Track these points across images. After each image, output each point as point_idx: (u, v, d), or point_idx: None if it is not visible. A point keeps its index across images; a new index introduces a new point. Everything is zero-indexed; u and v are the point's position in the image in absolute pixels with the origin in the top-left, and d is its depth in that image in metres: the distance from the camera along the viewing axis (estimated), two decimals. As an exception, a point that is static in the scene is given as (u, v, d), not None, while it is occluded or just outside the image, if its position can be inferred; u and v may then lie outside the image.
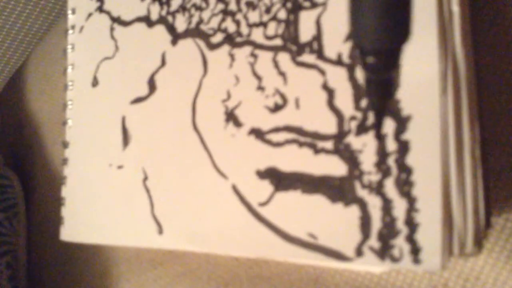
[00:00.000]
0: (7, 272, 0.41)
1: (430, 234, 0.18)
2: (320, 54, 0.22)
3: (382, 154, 0.20)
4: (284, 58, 0.23)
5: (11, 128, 0.48)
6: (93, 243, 0.31)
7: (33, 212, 0.44)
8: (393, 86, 0.16)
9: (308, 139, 0.22)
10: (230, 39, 0.25)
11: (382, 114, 0.16)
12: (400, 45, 0.14)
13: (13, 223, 0.42)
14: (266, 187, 0.23)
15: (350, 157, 0.21)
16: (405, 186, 0.19)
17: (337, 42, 0.22)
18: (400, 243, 0.19)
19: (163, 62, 0.28)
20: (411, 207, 0.19)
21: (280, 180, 0.23)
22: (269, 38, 0.24)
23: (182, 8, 0.28)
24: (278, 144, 0.23)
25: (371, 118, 0.20)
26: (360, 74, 0.21)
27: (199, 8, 0.27)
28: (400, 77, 0.20)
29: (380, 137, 0.19)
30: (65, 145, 0.34)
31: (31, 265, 0.43)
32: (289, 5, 0.23)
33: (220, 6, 0.26)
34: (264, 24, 0.24)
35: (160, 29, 0.28)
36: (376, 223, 0.20)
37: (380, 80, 0.15)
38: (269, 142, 0.23)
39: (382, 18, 0.13)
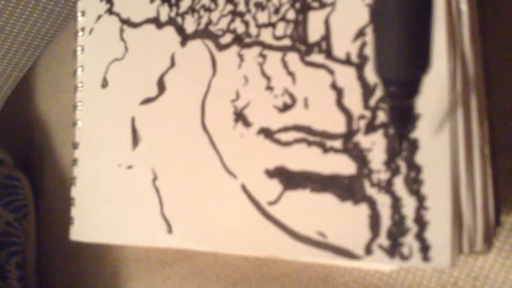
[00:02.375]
0: (17, 272, 0.41)
1: (439, 232, 0.18)
2: (328, 54, 0.22)
3: (391, 152, 0.20)
4: (293, 58, 0.24)
5: (21, 129, 0.49)
6: (103, 243, 0.32)
7: (42, 212, 0.44)
8: (414, 111, 0.17)
9: (317, 138, 0.22)
10: (239, 40, 0.26)
11: (404, 138, 0.18)
12: (421, 76, 0.14)
13: (23, 224, 0.43)
14: (275, 186, 0.23)
15: (359, 156, 0.21)
16: (414, 184, 0.19)
17: (345, 42, 0.22)
18: (409, 241, 0.19)
19: (172, 63, 0.28)
20: (421, 205, 0.19)
21: (289, 179, 0.23)
22: (278, 38, 0.24)
23: (191, 10, 0.28)
24: (287, 144, 0.23)
25: (380, 117, 0.21)
26: (368, 74, 0.21)
27: (208, 9, 0.27)
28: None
29: (400, 155, 0.19)
30: (75, 146, 0.34)
31: (41, 265, 0.44)
32: (297, 5, 0.24)
33: (229, 7, 0.26)
34: (273, 25, 0.24)
35: (169, 31, 0.29)
36: (386, 221, 0.20)
37: (402, 106, 0.16)
38: (278, 142, 0.23)
39: (405, 52, 0.14)
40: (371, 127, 0.21)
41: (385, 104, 0.17)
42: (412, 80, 0.15)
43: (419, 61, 0.14)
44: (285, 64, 0.24)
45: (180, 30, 0.28)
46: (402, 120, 0.17)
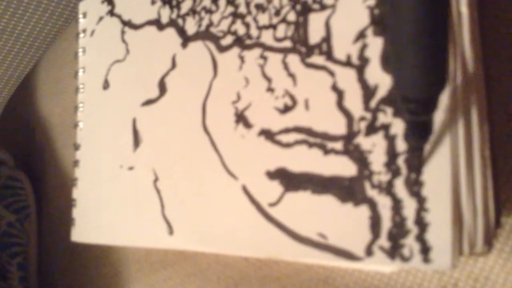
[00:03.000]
0: (19, 273, 0.41)
1: (440, 234, 0.19)
2: (329, 56, 0.22)
3: (392, 154, 0.20)
4: (293, 60, 0.24)
5: (22, 130, 0.49)
6: (104, 244, 0.32)
7: (44, 213, 0.45)
8: (432, 126, 0.17)
9: (317, 139, 0.22)
10: (240, 42, 0.26)
11: (422, 153, 0.18)
12: (439, 93, 0.15)
13: (25, 225, 0.43)
14: (276, 187, 0.23)
15: (360, 158, 0.21)
16: (414, 186, 0.19)
17: (346, 44, 0.22)
18: (410, 243, 0.19)
19: (174, 65, 0.28)
20: (421, 207, 0.19)
21: (290, 180, 0.23)
22: (278, 40, 0.24)
23: (192, 11, 0.28)
24: (287, 145, 0.23)
25: (380, 119, 0.21)
26: (369, 75, 0.21)
27: (209, 11, 0.27)
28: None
29: (420, 172, 0.19)
30: (76, 147, 0.35)
31: (42, 266, 0.44)
32: (298, 7, 0.24)
33: (230, 9, 0.26)
34: (273, 27, 0.24)
35: (171, 32, 0.29)
36: (386, 223, 0.20)
37: (420, 122, 0.17)
38: (279, 143, 0.23)
39: (424, 71, 0.14)
40: (371, 129, 0.21)
41: (402, 120, 0.18)
42: (431, 96, 0.15)
43: (438, 78, 0.14)
44: (285, 66, 0.24)
45: (181, 31, 0.28)
46: (421, 135, 0.17)
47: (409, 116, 0.16)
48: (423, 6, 0.13)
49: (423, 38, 0.14)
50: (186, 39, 0.28)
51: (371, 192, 0.20)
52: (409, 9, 0.13)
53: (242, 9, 0.26)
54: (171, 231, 0.27)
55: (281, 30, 0.24)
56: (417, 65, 0.14)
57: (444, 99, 0.19)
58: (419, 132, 0.17)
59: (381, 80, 0.21)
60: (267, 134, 0.24)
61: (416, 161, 0.19)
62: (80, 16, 0.36)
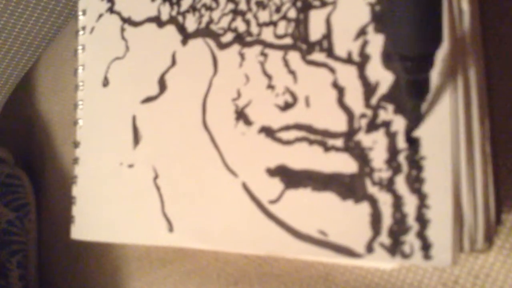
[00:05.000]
0: (18, 271, 0.41)
1: (440, 230, 0.19)
2: (330, 53, 0.22)
3: (393, 151, 0.20)
4: (294, 57, 0.24)
5: (22, 128, 0.49)
6: (104, 241, 0.32)
7: (43, 211, 0.45)
8: (429, 84, 0.18)
9: (318, 137, 0.22)
10: (240, 39, 0.26)
11: (418, 115, 0.18)
12: (433, 50, 0.16)
13: (24, 222, 0.43)
14: (276, 184, 0.23)
15: (360, 155, 0.21)
16: (415, 182, 0.19)
17: (347, 40, 0.22)
18: (410, 240, 0.19)
19: (174, 62, 0.28)
20: (422, 204, 0.19)
21: (290, 177, 0.23)
22: (279, 37, 0.24)
23: (192, 8, 0.28)
24: (288, 142, 0.23)
25: (381, 116, 0.21)
26: (369, 72, 0.21)
27: (209, 8, 0.27)
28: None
29: (411, 141, 0.19)
30: (76, 144, 0.35)
31: (42, 264, 0.44)
32: (299, 4, 0.24)
33: (230, 6, 0.26)
34: (274, 23, 0.24)
35: (171, 29, 0.29)
36: (387, 220, 0.20)
37: (416, 80, 0.17)
38: (279, 140, 0.23)
39: (419, 28, 0.15)
40: (372, 126, 0.21)
41: (400, 82, 0.18)
42: (426, 54, 0.16)
43: (433, 34, 0.15)
44: (286, 63, 0.24)
45: (181, 29, 0.28)
46: (418, 93, 0.18)
47: (405, 75, 0.17)
48: None
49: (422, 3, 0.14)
50: (186, 36, 0.28)
51: (372, 189, 0.20)
52: None
53: (243, 6, 0.26)
54: (171, 228, 0.27)
55: (282, 27, 0.24)
56: (412, 22, 0.15)
57: (445, 93, 0.19)
58: (416, 91, 0.18)
59: (382, 77, 0.21)
60: (268, 131, 0.24)
61: (413, 119, 0.19)
62: (80, 13, 0.35)
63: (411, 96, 0.18)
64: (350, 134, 0.21)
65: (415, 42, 0.16)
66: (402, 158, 0.20)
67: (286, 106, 0.24)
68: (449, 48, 0.19)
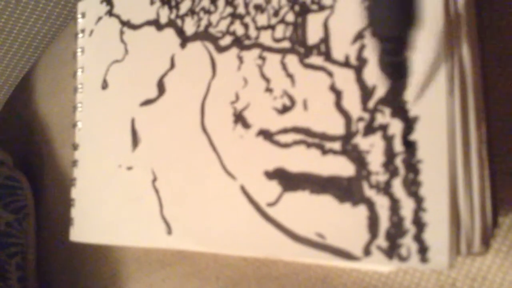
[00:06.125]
0: (17, 273, 0.41)
1: (437, 233, 0.19)
2: (327, 56, 0.23)
3: (390, 154, 0.20)
4: (292, 60, 0.24)
5: (21, 130, 0.49)
6: (103, 244, 0.32)
7: (42, 213, 0.45)
8: (409, 66, 0.18)
9: (316, 140, 0.22)
10: (238, 42, 0.26)
11: (401, 91, 0.19)
12: (410, 31, 0.16)
13: (23, 225, 0.43)
14: (274, 187, 0.23)
15: (358, 158, 0.21)
16: (412, 186, 0.19)
17: (344, 44, 0.22)
18: (407, 242, 0.19)
19: (172, 65, 0.28)
20: (419, 207, 0.19)
21: (288, 180, 0.23)
22: (277, 40, 0.24)
23: (191, 12, 0.28)
24: (286, 145, 0.23)
25: (378, 119, 0.21)
26: (367, 76, 0.21)
27: (208, 12, 0.27)
28: (408, 79, 0.20)
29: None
30: (74, 147, 0.35)
31: (41, 266, 0.44)
32: (297, 8, 0.24)
33: (229, 9, 0.26)
34: (272, 27, 0.25)
35: (169, 32, 0.29)
36: (384, 223, 0.20)
37: (398, 62, 0.17)
38: (277, 143, 0.24)
39: (394, 9, 0.15)
40: (369, 129, 0.21)
41: (381, 63, 0.18)
42: (403, 35, 0.16)
43: (408, 16, 0.15)
44: (284, 66, 0.24)
45: (180, 32, 0.28)
46: (398, 74, 0.18)
47: (385, 57, 0.17)
48: None
49: None
50: (185, 40, 0.28)
51: (369, 192, 0.20)
52: None
53: (241, 9, 0.26)
54: (169, 231, 0.27)
55: (280, 31, 0.24)
56: (389, 4, 0.15)
57: (442, 97, 0.19)
58: (397, 72, 0.18)
59: (379, 80, 0.21)
60: (266, 134, 0.24)
61: (396, 95, 0.19)
62: (79, 16, 0.36)
63: (390, 77, 0.18)
64: (347, 137, 0.21)
65: (391, 23, 0.16)
66: (399, 162, 0.20)
67: (284, 109, 0.24)
68: (445, 50, 0.19)
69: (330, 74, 0.22)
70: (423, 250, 0.19)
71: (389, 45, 0.17)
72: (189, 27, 0.28)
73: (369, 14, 0.16)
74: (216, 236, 0.25)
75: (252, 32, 0.25)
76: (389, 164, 0.20)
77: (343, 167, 0.21)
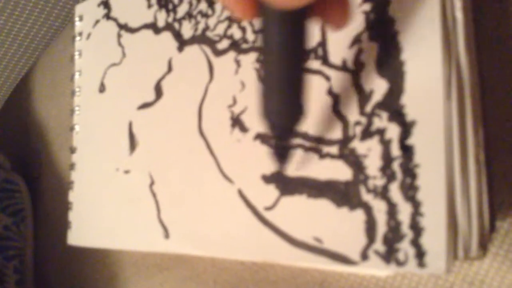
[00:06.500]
0: (15, 276, 0.41)
1: (435, 238, 0.19)
2: (325, 60, 0.23)
3: (387, 158, 0.20)
4: (289, 64, 0.24)
5: (18, 133, 0.49)
6: (100, 247, 0.32)
7: (40, 216, 0.44)
8: (290, 149, 0.22)
9: (313, 144, 0.22)
10: (236, 46, 0.26)
11: (283, 165, 0.22)
12: (295, 125, 0.19)
13: (21, 228, 0.43)
14: (271, 191, 0.23)
15: (355, 162, 0.21)
16: (409, 190, 0.19)
17: (341, 48, 0.22)
18: (405, 247, 0.19)
19: (170, 68, 0.28)
20: (416, 211, 0.19)
21: (286, 184, 0.23)
22: None
23: (189, 15, 0.28)
24: (283, 149, 0.23)
25: (376, 123, 0.21)
26: (364, 80, 0.21)
27: (205, 15, 0.27)
28: (405, 83, 0.20)
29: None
30: (72, 150, 0.35)
31: (38, 270, 0.44)
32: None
33: (226, 13, 0.26)
34: (269, 31, 0.24)
35: (167, 36, 0.29)
36: (381, 227, 0.20)
37: (281, 145, 0.21)
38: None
39: (283, 106, 0.18)
40: (367, 133, 0.21)
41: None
42: (289, 126, 0.19)
43: (293, 114, 0.18)
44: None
45: (177, 35, 0.28)
46: (284, 157, 0.21)
47: (274, 141, 0.20)
48: (284, 58, 0.17)
49: (284, 81, 0.17)
50: (182, 43, 0.28)
51: (367, 197, 0.20)
52: (273, 56, 0.17)
53: (238, 13, 0.26)
54: (167, 234, 0.27)
55: None
56: (278, 100, 0.18)
57: (439, 102, 0.19)
58: (281, 154, 0.21)
59: (376, 84, 0.21)
60: (263, 138, 0.24)
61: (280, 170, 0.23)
62: (77, 19, 0.36)
63: (276, 158, 0.21)
64: (345, 141, 0.21)
65: (278, 116, 0.18)
66: (396, 166, 0.20)
67: (282, 113, 0.24)
68: (442, 54, 0.19)
69: (327, 78, 0.22)
70: (420, 254, 0.19)
71: (278, 131, 0.19)
72: (187, 30, 0.28)
73: (263, 106, 0.18)
74: (213, 240, 0.25)
75: (250, 36, 0.25)
76: (386, 168, 0.20)
77: (340, 171, 0.21)
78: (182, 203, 0.27)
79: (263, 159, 0.24)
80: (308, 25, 0.17)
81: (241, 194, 0.24)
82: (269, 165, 0.23)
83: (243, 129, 0.25)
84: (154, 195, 0.28)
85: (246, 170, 0.24)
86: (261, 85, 0.18)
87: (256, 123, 0.24)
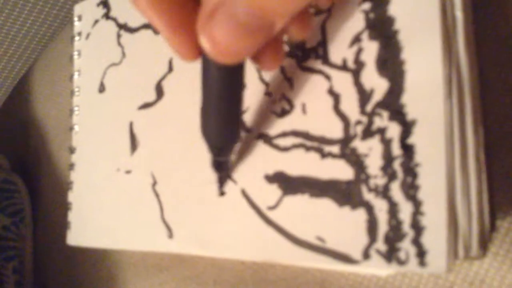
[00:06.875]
0: (14, 277, 0.41)
1: (435, 237, 0.19)
2: (325, 60, 0.23)
3: (388, 158, 0.20)
4: (290, 64, 0.24)
5: (17, 133, 0.49)
6: (100, 248, 0.32)
7: (39, 217, 0.44)
8: (228, 166, 0.24)
9: (315, 143, 0.22)
10: (236, 46, 0.26)
11: (223, 182, 0.25)
12: (231, 145, 0.23)
13: (20, 228, 0.43)
14: (274, 191, 0.23)
15: (357, 161, 0.21)
16: (410, 189, 0.19)
17: (342, 48, 0.22)
18: (406, 246, 0.19)
19: (170, 69, 0.28)
20: (417, 211, 0.19)
21: (288, 184, 0.23)
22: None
23: (189, 15, 0.28)
24: (285, 149, 0.23)
25: (376, 123, 0.21)
26: (364, 79, 0.21)
27: (205, 15, 0.27)
28: (405, 82, 0.20)
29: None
30: (71, 150, 0.34)
31: (38, 270, 0.44)
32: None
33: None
34: (270, 31, 0.24)
35: (167, 36, 0.29)
36: (383, 226, 0.20)
37: (220, 161, 0.24)
38: (276, 147, 0.24)
39: (222, 129, 0.21)
40: (368, 133, 0.21)
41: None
42: (225, 146, 0.22)
43: (229, 136, 0.22)
44: (282, 70, 0.24)
45: (178, 35, 0.28)
46: (221, 169, 0.24)
47: (213, 156, 0.23)
48: (220, 96, 0.19)
49: (220, 112, 0.20)
50: (182, 43, 0.28)
51: (368, 196, 0.21)
52: (211, 92, 0.19)
53: (239, 13, 0.26)
54: (170, 234, 0.27)
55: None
56: (217, 125, 0.21)
57: (440, 101, 0.19)
58: (220, 168, 0.24)
59: (377, 84, 0.21)
60: (265, 138, 0.24)
61: (220, 185, 0.25)
62: (75, 19, 0.35)
63: (216, 171, 0.24)
64: (346, 141, 0.21)
65: (216, 138, 0.22)
66: (397, 165, 0.20)
67: (283, 113, 0.24)
68: (442, 53, 0.19)
69: (328, 77, 0.22)
70: (421, 253, 0.19)
71: (215, 150, 0.23)
72: (187, 30, 0.28)
73: (203, 128, 0.21)
74: (217, 240, 0.25)
75: (250, 36, 0.25)
76: (387, 167, 0.20)
77: (342, 171, 0.21)
78: (185, 203, 0.27)
79: (265, 159, 0.24)
80: (243, 69, 0.19)
81: (244, 193, 0.24)
82: (272, 165, 0.23)
83: (245, 129, 0.25)
84: (157, 195, 0.28)
85: (249, 170, 0.24)
86: (201, 110, 0.21)
87: (258, 122, 0.25)
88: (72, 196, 0.34)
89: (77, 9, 0.36)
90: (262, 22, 0.16)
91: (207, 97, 0.20)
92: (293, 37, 0.21)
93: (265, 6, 0.15)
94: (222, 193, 0.25)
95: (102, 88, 0.33)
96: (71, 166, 0.34)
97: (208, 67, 0.18)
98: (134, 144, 0.30)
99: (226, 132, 0.21)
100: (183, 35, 0.18)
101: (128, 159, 0.30)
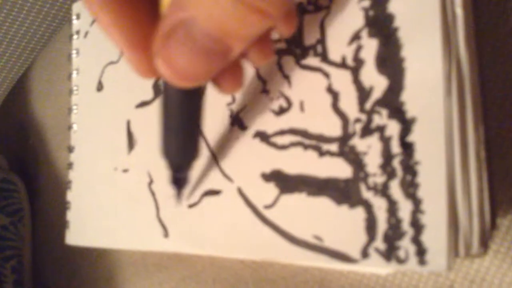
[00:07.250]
0: (13, 277, 0.41)
1: (435, 236, 0.18)
2: (324, 57, 0.22)
3: (387, 156, 0.20)
4: (288, 61, 0.24)
5: (16, 132, 0.49)
6: (99, 247, 0.31)
7: (38, 216, 0.44)
8: (186, 181, 0.24)
9: (313, 141, 0.22)
10: (234, 43, 0.25)
11: (180, 196, 0.25)
12: (190, 162, 0.23)
13: (18, 228, 0.43)
14: (271, 189, 0.23)
15: (355, 159, 0.21)
16: (410, 187, 0.19)
17: (341, 45, 0.22)
18: (405, 245, 0.19)
19: (168, 66, 0.28)
20: (417, 209, 0.19)
21: (285, 182, 0.23)
22: (273, 41, 0.24)
23: (187, 13, 0.28)
24: (283, 147, 0.23)
25: (376, 120, 0.21)
26: (363, 77, 0.21)
27: (203, 13, 0.27)
28: (405, 80, 0.20)
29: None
30: (70, 149, 0.34)
31: (36, 269, 0.44)
32: (293, 9, 0.24)
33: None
34: (268, 28, 0.24)
35: (165, 34, 0.29)
36: (382, 225, 0.20)
37: (178, 177, 0.24)
38: (274, 145, 0.23)
39: (178, 151, 0.21)
40: (367, 131, 0.21)
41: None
42: (184, 164, 0.23)
43: (189, 154, 0.22)
44: (280, 67, 0.24)
45: (176, 33, 0.28)
46: (180, 185, 0.24)
47: (172, 173, 0.23)
48: (180, 114, 0.20)
49: (179, 131, 0.20)
50: (180, 41, 0.28)
51: (367, 194, 0.20)
52: (171, 110, 0.20)
53: (237, 10, 0.26)
54: (166, 234, 0.27)
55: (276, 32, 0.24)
56: (176, 143, 0.21)
57: (440, 99, 0.19)
58: (178, 184, 0.24)
59: (376, 81, 0.21)
60: (262, 136, 0.24)
61: (178, 198, 0.25)
62: (74, 17, 0.35)
63: (174, 186, 0.24)
64: (344, 138, 0.21)
65: (176, 156, 0.22)
66: (396, 163, 0.20)
67: (281, 111, 0.23)
68: (442, 51, 0.19)
69: (326, 75, 0.22)
70: (421, 252, 0.19)
71: (175, 167, 0.23)
72: (185, 28, 0.28)
73: (162, 145, 0.21)
74: (213, 238, 0.25)
75: (248, 33, 0.25)
76: (386, 165, 0.20)
77: (340, 169, 0.21)
78: (181, 202, 0.26)
79: (262, 157, 0.24)
80: (203, 90, 0.20)
81: (240, 192, 0.24)
82: (269, 163, 0.23)
83: (242, 127, 0.25)
84: (153, 194, 0.28)
85: (246, 168, 0.24)
86: (161, 127, 0.21)
87: (255, 121, 0.24)
88: (70, 196, 0.34)
89: (76, 7, 0.35)
90: (219, 46, 0.15)
91: (166, 116, 0.20)
92: (254, 63, 0.21)
93: (223, 28, 0.15)
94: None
95: (100, 87, 0.32)
96: (70, 165, 0.34)
97: (167, 86, 0.18)
98: (131, 142, 0.30)
99: (186, 150, 0.22)
100: (142, 53, 0.17)
101: (125, 158, 0.30)
